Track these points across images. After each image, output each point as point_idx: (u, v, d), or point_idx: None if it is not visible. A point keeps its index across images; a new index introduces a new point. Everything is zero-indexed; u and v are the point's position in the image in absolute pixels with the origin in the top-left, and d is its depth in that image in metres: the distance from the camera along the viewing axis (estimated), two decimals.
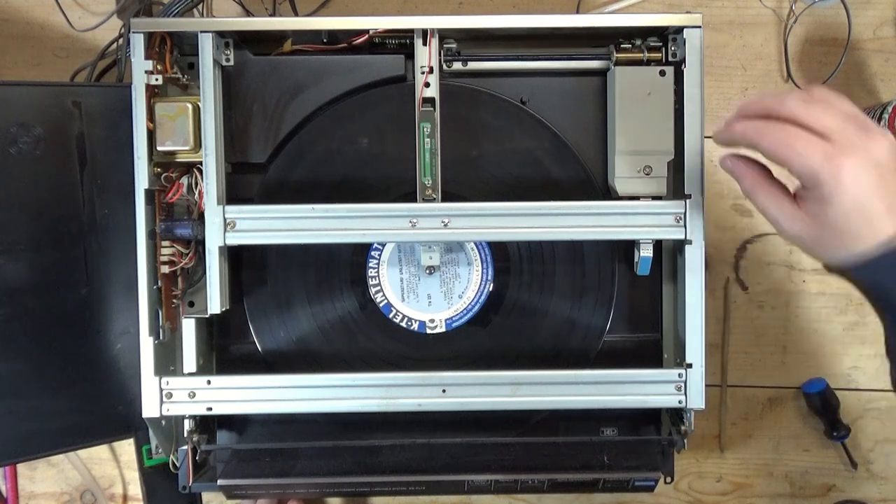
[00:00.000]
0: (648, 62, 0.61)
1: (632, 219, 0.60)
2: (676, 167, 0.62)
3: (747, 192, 0.51)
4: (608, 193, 0.63)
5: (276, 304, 0.64)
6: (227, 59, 0.61)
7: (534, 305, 0.64)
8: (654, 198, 0.61)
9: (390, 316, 0.64)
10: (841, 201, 0.46)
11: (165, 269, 0.60)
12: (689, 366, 0.60)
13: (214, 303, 0.59)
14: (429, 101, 0.61)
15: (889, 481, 0.74)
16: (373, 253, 0.64)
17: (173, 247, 0.60)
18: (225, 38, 0.61)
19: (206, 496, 0.71)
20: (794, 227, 0.49)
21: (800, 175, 0.47)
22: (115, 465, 0.74)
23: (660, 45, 0.61)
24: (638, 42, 0.61)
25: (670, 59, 0.61)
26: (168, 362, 0.63)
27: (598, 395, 0.61)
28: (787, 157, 0.47)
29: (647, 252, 0.61)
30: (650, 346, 0.65)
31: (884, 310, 0.50)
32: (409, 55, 0.62)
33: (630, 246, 0.63)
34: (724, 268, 0.73)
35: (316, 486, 0.63)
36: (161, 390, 0.60)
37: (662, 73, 0.60)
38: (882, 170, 0.46)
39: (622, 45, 0.61)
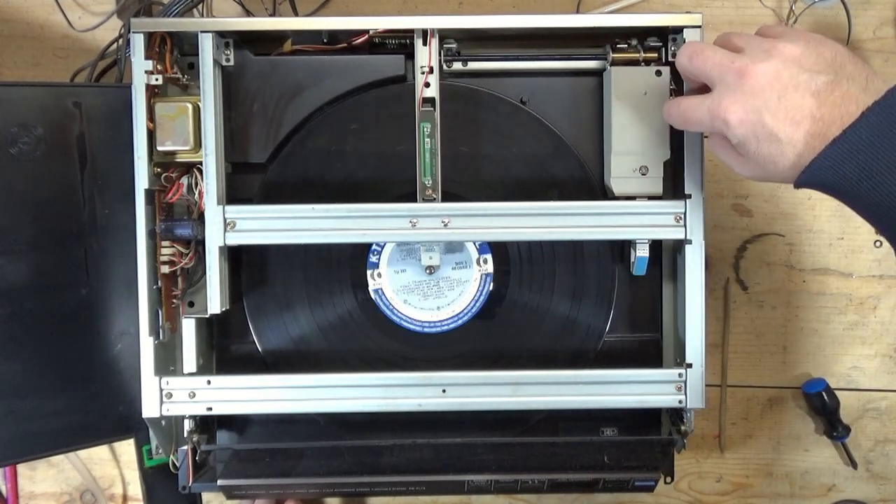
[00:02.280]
0: (646, 62, 0.61)
1: (632, 219, 0.60)
2: (676, 167, 0.62)
3: (711, 149, 0.55)
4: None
5: (276, 304, 0.64)
6: (227, 59, 0.61)
7: (534, 305, 0.64)
8: (651, 198, 0.61)
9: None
10: (743, 141, 0.49)
11: (165, 269, 0.60)
12: (689, 366, 0.60)
13: (214, 303, 0.59)
14: (429, 101, 0.61)
15: (889, 481, 0.74)
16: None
17: (173, 247, 0.60)
18: (225, 38, 0.61)
19: (206, 496, 0.71)
20: (744, 170, 0.52)
21: (705, 132, 0.53)
22: (115, 465, 0.74)
23: (659, 45, 0.61)
24: (634, 42, 0.61)
25: (670, 59, 0.61)
26: (168, 362, 0.63)
27: (598, 395, 0.61)
28: (689, 126, 0.53)
29: (643, 252, 0.61)
30: (650, 346, 0.65)
31: (846, 204, 0.50)
32: (409, 55, 0.62)
33: (630, 245, 0.63)
34: (724, 268, 0.73)
35: (316, 486, 0.63)
36: (161, 390, 0.60)
37: (658, 74, 0.60)
38: (769, 91, 0.48)
39: (618, 46, 0.61)
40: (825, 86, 0.47)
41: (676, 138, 0.61)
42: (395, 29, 0.61)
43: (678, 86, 0.59)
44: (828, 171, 0.47)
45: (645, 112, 0.60)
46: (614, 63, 0.60)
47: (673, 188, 0.63)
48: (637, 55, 0.60)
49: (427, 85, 0.61)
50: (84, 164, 0.61)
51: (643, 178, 0.61)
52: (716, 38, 0.54)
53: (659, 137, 0.60)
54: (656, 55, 0.61)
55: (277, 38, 0.62)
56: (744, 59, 0.49)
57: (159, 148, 0.59)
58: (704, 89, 0.53)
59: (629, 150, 0.60)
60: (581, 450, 0.63)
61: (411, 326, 0.64)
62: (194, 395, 0.60)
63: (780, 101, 0.47)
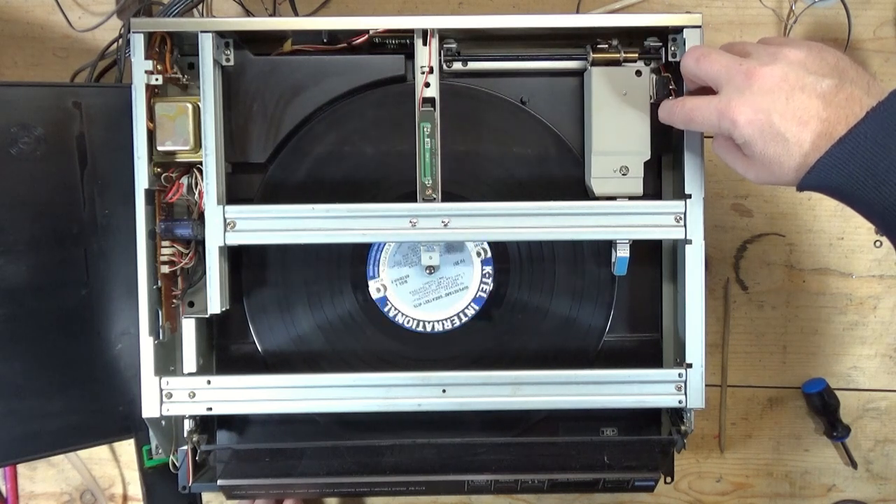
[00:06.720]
0: (637, 63, 0.61)
1: (632, 218, 0.59)
2: (676, 166, 0.62)
3: (715, 151, 0.55)
4: None
5: (276, 304, 0.64)
6: (227, 59, 0.61)
7: (534, 305, 0.64)
8: (631, 198, 0.61)
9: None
10: (749, 141, 0.50)
11: (165, 269, 0.60)
12: (689, 366, 0.61)
13: (214, 303, 0.59)
14: (429, 101, 0.61)
15: (889, 481, 0.74)
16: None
17: (173, 247, 0.60)
18: (225, 38, 0.61)
19: (206, 496, 0.71)
20: (749, 173, 0.53)
21: (712, 133, 0.54)
22: (115, 465, 0.74)
23: (660, 44, 0.61)
24: (615, 42, 0.61)
25: (670, 59, 0.61)
26: (168, 362, 0.63)
27: (598, 395, 0.61)
28: (693, 126, 0.54)
29: (623, 252, 0.61)
30: (650, 346, 0.65)
31: (850, 206, 0.51)
32: (409, 55, 0.62)
33: (632, 245, 0.63)
34: (724, 268, 0.73)
35: (316, 486, 0.63)
36: (161, 390, 0.60)
37: (638, 74, 0.60)
38: (777, 93, 0.49)
39: (599, 46, 0.61)
40: (830, 88, 0.48)
41: (677, 138, 0.61)
42: (395, 29, 0.61)
43: (678, 86, 0.59)
44: (833, 171, 0.48)
45: (625, 112, 0.60)
46: (595, 63, 0.60)
47: (673, 188, 0.63)
48: (617, 55, 0.60)
49: (427, 85, 0.61)
50: (84, 164, 0.61)
51: (623, 178, 0.61)
52: (720, 47, 0.55)
53: (639, 138, 0.60)
54: (636, 55, 0.61)
55: (277, 38, 0.62)
56: (751, 62, 0.50)
57: (159, 148, 0.59)
58: (704, 92, 0.54)
59: (609, 150, 0.60)
60: (581, 450, 0.63)
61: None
62: (194, 395, 0.60)
63: (787, 102, 0.48)
